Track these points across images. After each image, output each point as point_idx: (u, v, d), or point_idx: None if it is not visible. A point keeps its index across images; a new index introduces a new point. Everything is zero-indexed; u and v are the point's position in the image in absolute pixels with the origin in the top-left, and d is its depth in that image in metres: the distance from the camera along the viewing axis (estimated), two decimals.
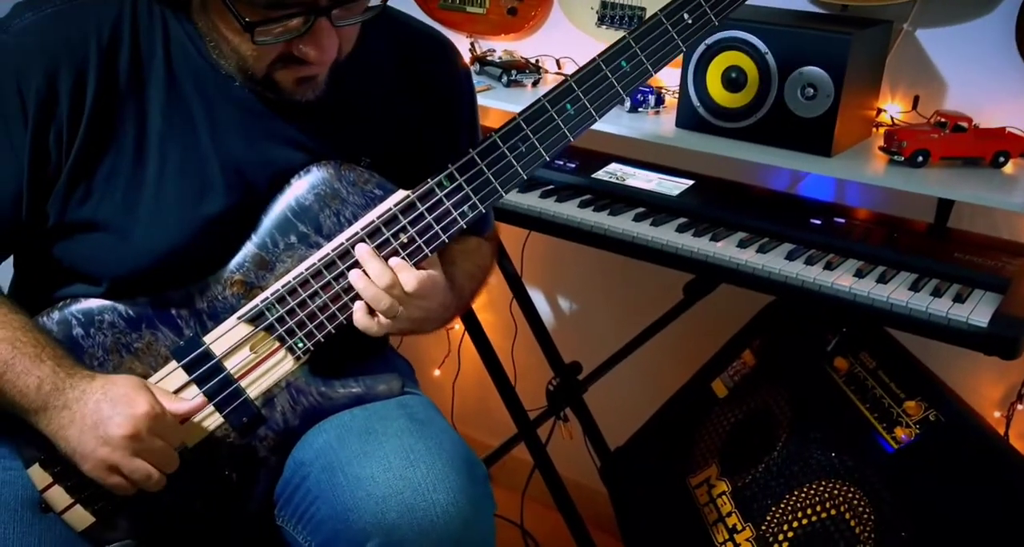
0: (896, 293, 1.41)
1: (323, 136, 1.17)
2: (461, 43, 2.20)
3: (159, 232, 1.11)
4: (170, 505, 1.15)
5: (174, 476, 1.11)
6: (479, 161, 1.14)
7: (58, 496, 1.13)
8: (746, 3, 1.19)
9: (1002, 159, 1.60)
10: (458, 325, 2.42)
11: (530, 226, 1.76)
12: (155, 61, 1.11)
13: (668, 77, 1.92)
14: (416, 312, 1.14)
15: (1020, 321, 1.33)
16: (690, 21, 1.14)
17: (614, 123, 1.85)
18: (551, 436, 2.14)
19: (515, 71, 2.05)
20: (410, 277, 1.12)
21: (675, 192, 1.74)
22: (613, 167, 1.84)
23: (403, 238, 1.14)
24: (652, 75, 1.16)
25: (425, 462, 1.08)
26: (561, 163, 1.85)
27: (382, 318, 1.13)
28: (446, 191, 1.14)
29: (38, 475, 1.13)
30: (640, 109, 1.88)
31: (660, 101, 1.89)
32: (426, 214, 1.14)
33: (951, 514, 1.24)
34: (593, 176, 1.80)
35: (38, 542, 1.12)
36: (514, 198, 1.74)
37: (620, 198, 1.73)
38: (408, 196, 1.14)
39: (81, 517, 1.14)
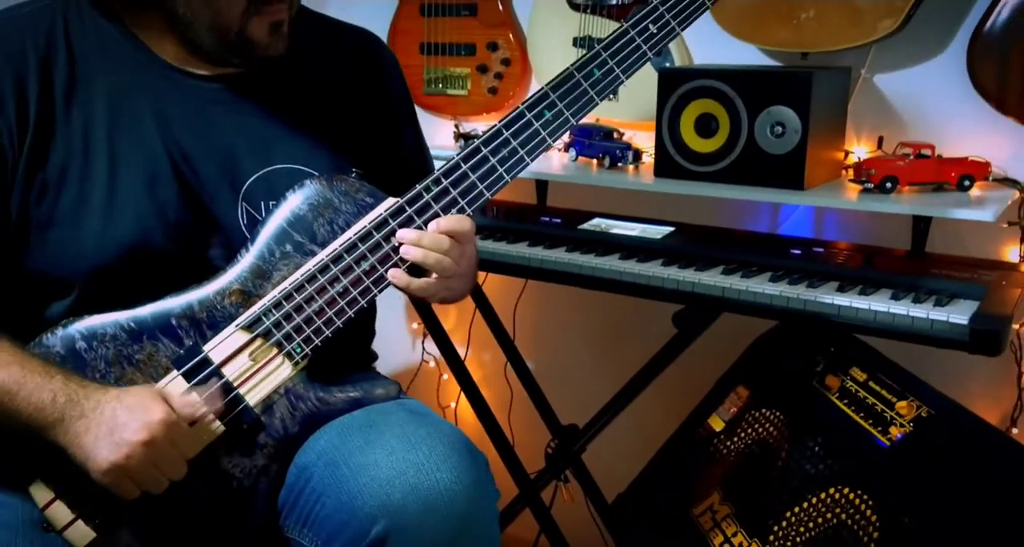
0: (878, 304, 1.45)
1: (267, 123, 1.24)
2: (446, 126, 2.32)
3: (114, 225, 1.16)
4: (171, 517, 1.14)
5: (177, 488, 1.11)
6: (463, 165, 1.20)
7: (59, 513, 1.12)
8: (703, 46, 1.27)
9: (967, 182, 1.67)
10: (453, 402, 2.43)
11: (520, 273, 1.81)
12: (93, 62, 1.19)
13: (645, 140, 2.01)
14: (464, 265, 1.21)
15: (1000, 317, 1.37)
16: (654, 30, 1.23)
17: (596, 178, 1.94)
18: (553, 500, 2.12)
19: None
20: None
21: (659, 236, 1.79)
22: (597, 221, 1.91)
23: (394, 241, 1.18)
24: (623, 81, 1.23)
25: (427, 444, 1.09)
26: (547, 219, 1.92)
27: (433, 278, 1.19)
28: (432, 194, 1.19)
29: (40, 492, 1.13)
30: (619, 165, 1.96)
31: (637, 157, 1.97)
32: (415, 217, 1.19)
33: (949, 499, 1.25)
34: (579, 228, 1.86)
35: None
36: (503, 248, 1.79)
37: (605, 244, 1.78)
38: (398, 202, 1.19)
39: (82, 534, 1.13)
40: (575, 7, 2.05)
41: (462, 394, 2.11)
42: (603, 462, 2.05)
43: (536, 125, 1.21)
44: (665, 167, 1.84)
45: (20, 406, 1.08)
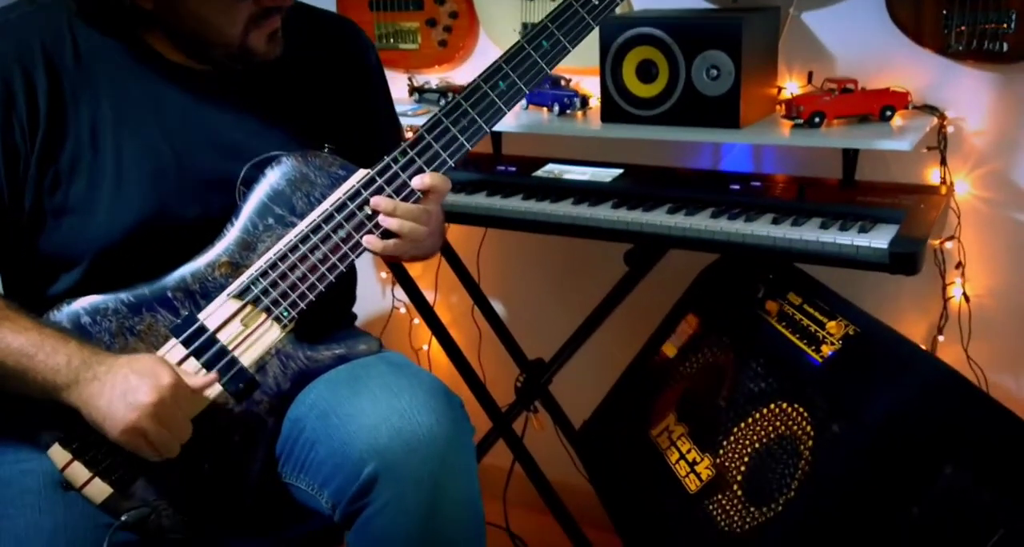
0: (808, 233, 1.59)
1: (260, 112, 1.34)
2: (400, 79, 2.39)
3: (121, 211, 1.26)
4: (181, 471, 1.27)
5: (184, 443, 1.23)
6: (427, 136, 1.30)
7: (78, 472, 1.24)
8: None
9: (889, 113, 1.81)
10: (425, 345, 2.57)
11: (480, 223, 1.92)
12: (100, 59, 1.28)
13: (592, 85, 2.11)
14: (433, 224, 1.35)
15: (915, 240, 1.52)
16: (596, 1, 1.33)
17: (547, 126, 2.04)
18: (524, 431, 2.27)
19: (452, 95, 2.23)
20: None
21: (607, 179, 1.91)
22: (550, 167, 2.02)
23: (367, 210, 1.30)
24: (570, 50, 1.34)
25: (408, 392, 1.22)
26: (503, 168, 2.02)
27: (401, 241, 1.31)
28: (400, 164, 1.30)
29: (58, 454, 1.24)
30: (567, 112, 2.07)
31: (584, 103, 2.08)
32: (385, 186, 1.30)
33: (873, 406, 1.41)
34: (533, 175, 1.97)
35: (63, 519, 1.23)
36: (463, 200, 1.90)
37: (559, 190, 1.90)
38: (368, 173, 1.30)
39: (100, 489, 1.25)
40: None
41: (434, 337, 2.23)
42: (569, 392, 2.19)
43: (492, 95, 1.32)
44: (611, 112, 1.94)
45: (38, 367, 1.19)
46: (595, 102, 2.09)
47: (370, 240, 1.29)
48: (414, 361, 2.52)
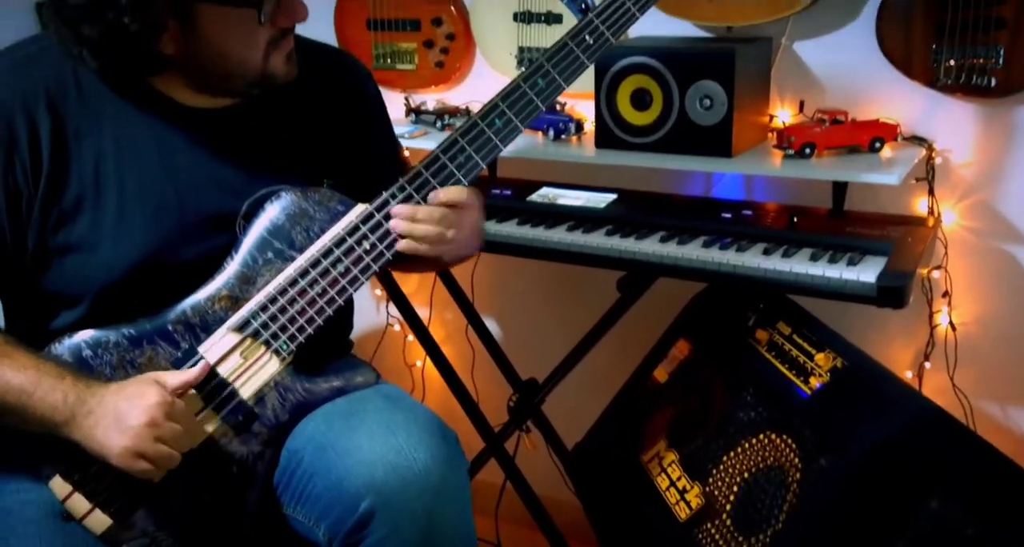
0: (798, 266, 1.62)
1: (260, 149, 1.36)
2: (396, 99, 2.41)
3: (124, 250, 1.28)
4: (181, 501, 1.29)
5: (183, 474, 1.25)
6: (424, 172, 1.33)
7: (78, 503, 1.26)
8: (638, 21, 1.40)
9: (878, 144, 1.84)
10: (419, 361, 2.59)
11: None
12: (103, 98, 1.29)
13: (587, 109, 2.14)
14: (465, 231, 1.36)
15: (903, 274, 1.55)
16: (591, 41, 1.36)
17: (542, 151, 2.07)
18: (517, 450, 2.29)
19: (447, 116, 2.26)
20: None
21: (601, 205, 1.94)
22: (544, 190, 2.04)
23: (366, 244, 1.32)
24: (565, 87, 1.36)
25: (404, 428, 1.24)
26: (498, 192, 2.05)
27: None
28: (398, 200, 1.32)
29: (59, 486, 1.26)
30: (563, 137, 2.09)
31: (580, 128, 2.10)
32: (383, 222, 1.32)
33: (859, 440, 1.44)
34: (528, 199, 1.99)
35: None
36: None
37: (553, 215, 1.92)
38: (367, 208, 1.32)
39: (100, 521, 1.27)
40: None
41: (428, 361, 2.26)
42: (562, 412, 2.22)
43: (489, 133, 1.34)
44: (605, 139, 1.97)
45: (36, 405, 1.21)
46: (589, 126, 2.12)
47: (402, 245, 1.32)
48: (408, 377, 2.60)
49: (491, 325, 2.29)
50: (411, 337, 2.50)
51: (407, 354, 2.60)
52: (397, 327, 2.58)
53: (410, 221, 1.31)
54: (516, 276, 2.43)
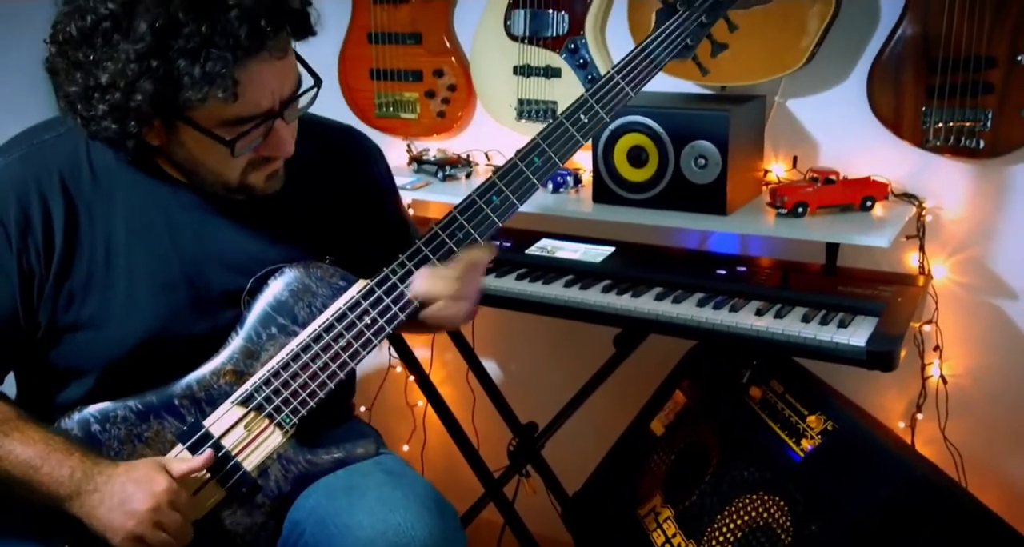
0: (790, 327, 1.65)
1: (266, 227, 1.39)
2: (399, 146, 2.46)
3: (132, 326, 1.32)
4: None
5: (188, 545, 1.29)
6: (424, 249, 1.37)
7: None
8: (630, 98, 1.44)
9: (869, 203, 1.88)
10: (420, 401, 2.62)
11: None
12: (115, 178, 1.33)
13: (585, 159, 2.18)
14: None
15: (892, 338, 1.58)
16: (586, 120, 1.40)
17: (541, 204, 2.10)
18: (516, 494, 2.33)
19: (449, 166, 2.30)
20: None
21: (598, 259, 1.98)
22: (543, 242, 2.08)
23: (367, 319, 1.36)
24: (560, 166, 1.40)
25: (403, 506, 1.27)
26: (498, 243, 2.08)
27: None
28: (399, 276, 1.36)
29: None
30: (561, 190, 2.13)
31: (578, 181, 2.15)
32: (384, 297, 1.36)
33: (849, 505, 1.47)
34: (526, 252, 2.03)
35: None
36: None
37: (551, 269, 1.96)
38: (368, 284, 1.36)
39: None
40: (513, 38, 2.20)
41: (428, 407, 2.29)
42: (561, 457, 2.25)
43: (486, 210, 1.38)
44: (602, 194, 2.01)
45: (43, 479, 1.25)
46: (587, 176, 2.16)
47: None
48: (409, 417, 2.63)
49: (491, 369, 2.33)
50: (413, 378, 2.54)
51: (408, 394, 2.64)
52: (399, 369, 2.62)
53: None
54: (516, 321, 2.46)
